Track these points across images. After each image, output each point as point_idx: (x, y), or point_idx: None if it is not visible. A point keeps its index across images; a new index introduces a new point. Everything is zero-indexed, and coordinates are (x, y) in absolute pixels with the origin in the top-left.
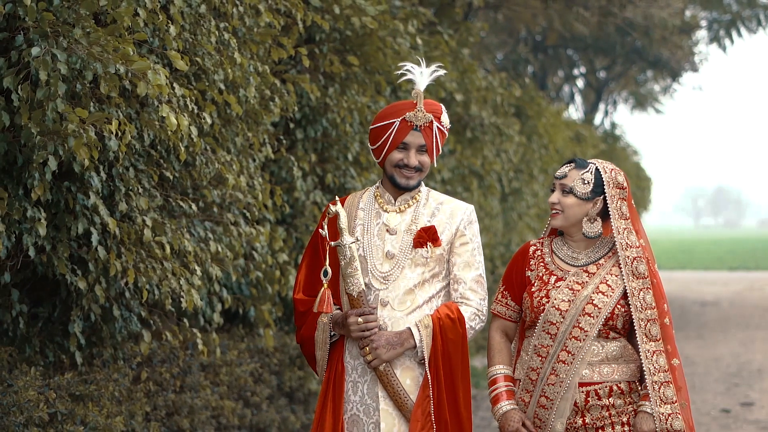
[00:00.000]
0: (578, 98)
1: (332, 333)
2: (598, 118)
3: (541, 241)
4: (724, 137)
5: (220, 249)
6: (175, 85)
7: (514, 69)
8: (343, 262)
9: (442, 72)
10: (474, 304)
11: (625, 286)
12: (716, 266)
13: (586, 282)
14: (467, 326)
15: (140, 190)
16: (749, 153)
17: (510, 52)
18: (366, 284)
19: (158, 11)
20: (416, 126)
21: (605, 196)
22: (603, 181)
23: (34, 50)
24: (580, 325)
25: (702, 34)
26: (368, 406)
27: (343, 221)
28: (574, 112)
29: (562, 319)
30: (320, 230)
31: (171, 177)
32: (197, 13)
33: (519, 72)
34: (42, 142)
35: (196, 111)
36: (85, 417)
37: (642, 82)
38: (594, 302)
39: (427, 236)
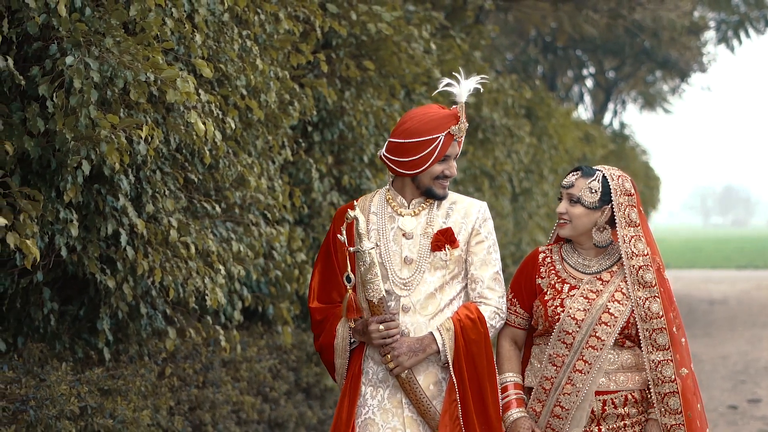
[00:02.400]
0: (587, 98)
1: (352, 340)
2: (607, 118)
3: (549, 247)
4: (733, 136)
5: (241, 249)
6: (200, 91)
7: (524, 70)
8: (363, 268)
9: (479, 86)
10: (493, 303)
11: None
12: (724, 265)
13: (601, 290)
14: (488, 325)
15: (166, 192)
16: (758, 152)
17: (520, 53)
18: (387, 291)
19: (184, 20)
20: (456, 137)
21: (613, 204)
22: (610, 189)
23: (68, 59)
24: (597, 335)
25: (710, 35)
26: (387, 411)
27: (363, 226)
28: (584, 112)
29: (578, 329)
30: (339, 236)
31: (195, 179)
32: (220, 21)
33: (529, 73)
34: (75, 147)
35: (220, 116)
36: (114, 411)
37: (651, 82)
38: (610, 311)
39: (444, 239)
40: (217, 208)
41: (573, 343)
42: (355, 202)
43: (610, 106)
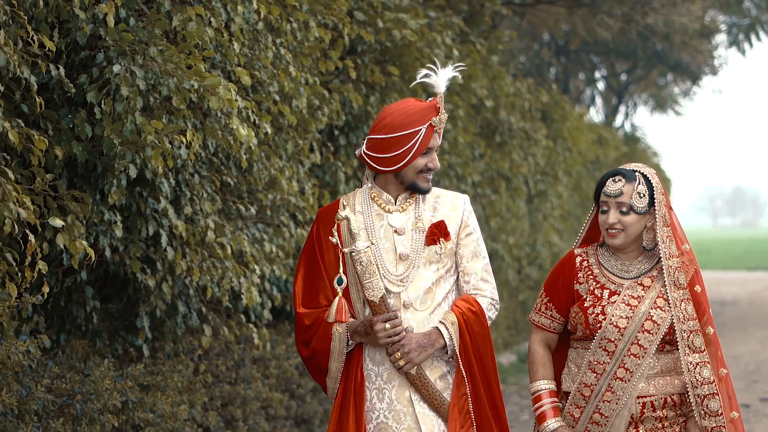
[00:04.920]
0: (599, 101)
1: (349, 342)
2: (618, 120)
3: (585, 250)
4: (743, 138)
5: (273, 249)
6: (237, 97)
7: (538, 73)
8: (359, 268)
9: (456, 73)
10: (488, 294)
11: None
12: (734, 266)
13: (642, 296)
14: (486, 317)
15: (204, 195)
16: (767, 153)
17: (533, 56)
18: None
19: (222, 30)
20: (436, 129)
21: (655, 205)
22: (653, 190)
23: (116, 67)
24: (639, 342)
25: (721, 38)
26: (398, 412)
27: (355, 225)
28: (595, 114)
29: (620, 337)
30: (330, 238)
31: (231, 182)
32: (255, 29)
33: (543, 76)
34: (122, 152)
35: (255, 121)
36: (154, 405)
37: (662, 85)
38: (653, 318)
39: (439, 232)
40: (252, 210)
41: (615, 351)
42: (343, 202)
43: (622, 108)
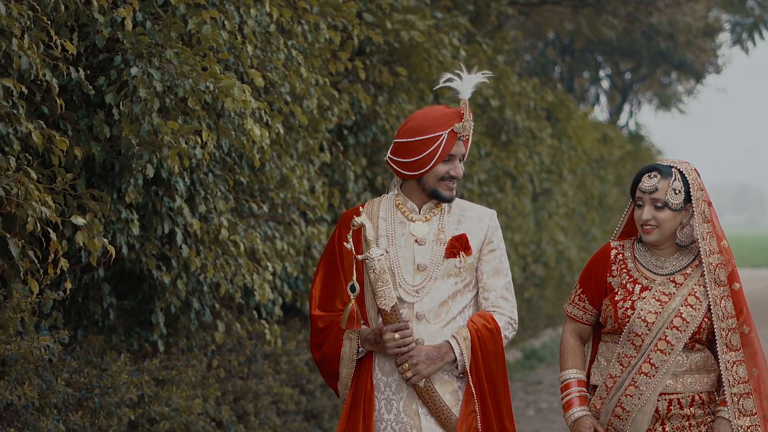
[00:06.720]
0: (603, 99)
1: (359, 349)
2: (622, 118)
3: (621, 243)
4: (746, 136)
5: (284, 247)
6: (251, 98)
7: (543, 72)
8: (372, 276)
9: (484, 79)
10: (507, 313)
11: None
12: (739, 264)
13: (674, 293)
14: (502, 336)
15: (218, 194)
16: None
17: (538, 55)
18: (397, 298)
19: (235, 32)
20: (460, 136)
21: (692, 201)
22: (690, 186)
23: (133, 70)
24: (667, 338)
25: (725, 36)
26: (405, 424)
27: (370, 233)
28: (600, 112)
29: (647, 331)
30: (345, 244)
31: (244, 181)
32: (267, 32)
33: (548, 75)
34: (139, 152)
35: (268, 122)
36: (169, 399)
37: (666, 83)
38: (682, 315)
39: (459, 245)
40: (264, 208)
41: (641, 346)
42: (361, 208)
43: (626, 107)
